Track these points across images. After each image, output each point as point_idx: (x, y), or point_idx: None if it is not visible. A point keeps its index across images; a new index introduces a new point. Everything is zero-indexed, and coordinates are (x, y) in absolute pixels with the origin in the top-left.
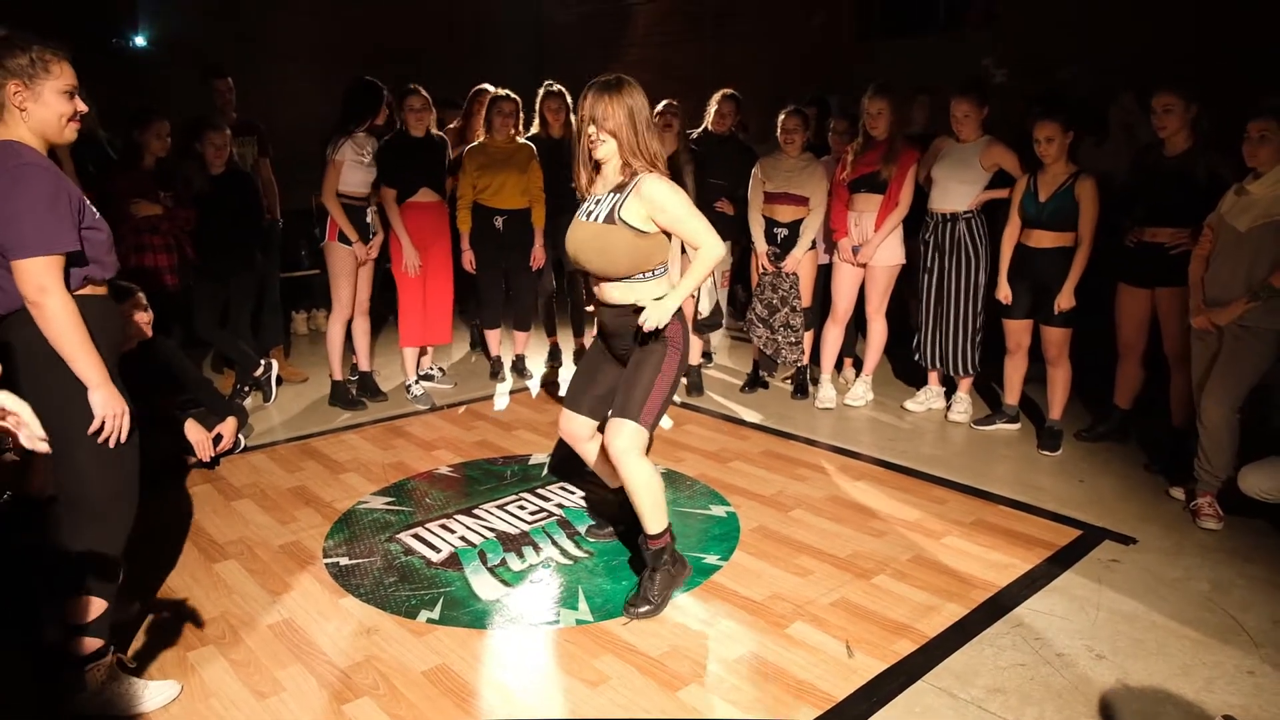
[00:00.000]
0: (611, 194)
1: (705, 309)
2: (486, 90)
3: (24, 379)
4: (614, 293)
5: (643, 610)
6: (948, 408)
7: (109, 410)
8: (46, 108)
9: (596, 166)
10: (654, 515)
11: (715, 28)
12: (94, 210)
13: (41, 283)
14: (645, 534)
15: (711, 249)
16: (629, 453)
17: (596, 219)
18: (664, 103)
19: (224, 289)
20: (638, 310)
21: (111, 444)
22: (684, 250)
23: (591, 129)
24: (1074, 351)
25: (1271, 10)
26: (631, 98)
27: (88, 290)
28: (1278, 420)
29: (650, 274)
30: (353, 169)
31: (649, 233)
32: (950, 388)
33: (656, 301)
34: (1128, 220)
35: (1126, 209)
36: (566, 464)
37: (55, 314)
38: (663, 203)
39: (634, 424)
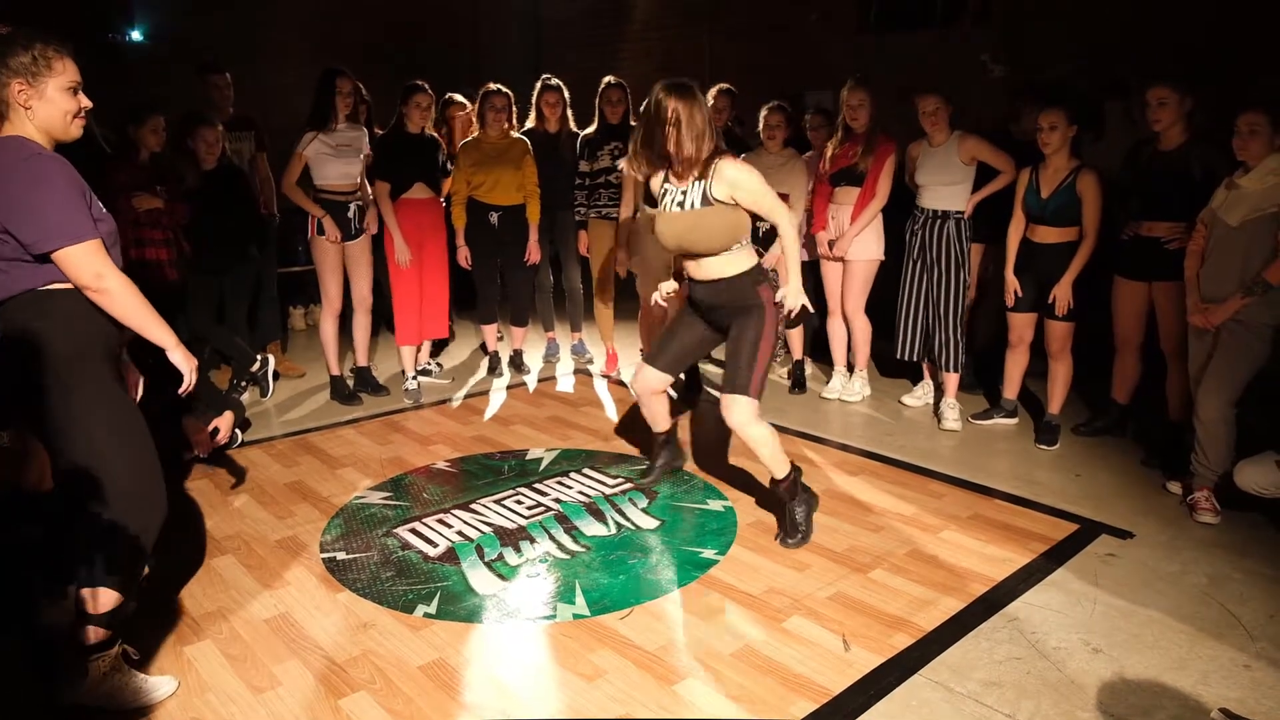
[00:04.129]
0: (696, 181)
1: None
2: (455, 99)
3: (31, 373)
4: (710, 268)
5: (794, 540)
6: (938, 416)
7: (189, 365)
8: (51, 105)
9: (664, 160)
10: (777, 463)
11: (712, 22)
12: (100, 204)
13: (96, 269)
14: (774, 479)
15: (786, 219)
16: (747, 425)
17: (693, 205)
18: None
19: (218, 284)
20: (727, 281)
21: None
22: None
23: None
24: (1073, 346)
25: (1271, 4)
26: (698, 98)
27: None
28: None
29: (739, 245)
30: (326, 162)
31: (735, 206)
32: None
33: (789, 290)
34: (1123, 214)
35: (1122, 203)
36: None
37: (118, 293)
38: (740, 181)
39: (746, 398)
